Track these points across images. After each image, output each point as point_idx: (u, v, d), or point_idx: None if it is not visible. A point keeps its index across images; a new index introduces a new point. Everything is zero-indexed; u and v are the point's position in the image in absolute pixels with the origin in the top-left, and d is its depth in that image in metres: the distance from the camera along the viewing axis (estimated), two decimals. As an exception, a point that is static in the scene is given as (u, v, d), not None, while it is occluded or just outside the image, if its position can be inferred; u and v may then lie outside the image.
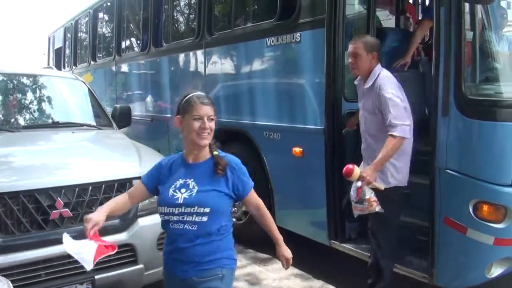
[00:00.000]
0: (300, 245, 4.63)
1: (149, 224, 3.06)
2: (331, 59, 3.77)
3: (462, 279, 3.17)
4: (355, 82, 3.44)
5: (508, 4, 3.17)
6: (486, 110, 2.90)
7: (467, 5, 2.88)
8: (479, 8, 2.94)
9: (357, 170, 2.97)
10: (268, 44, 4.37)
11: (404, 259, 3.54)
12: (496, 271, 3.10)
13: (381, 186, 3.10)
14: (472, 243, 2.97)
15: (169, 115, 6.08)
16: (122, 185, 3.06)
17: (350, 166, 3.00)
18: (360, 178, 2.99)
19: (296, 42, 4.08)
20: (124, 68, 7.32)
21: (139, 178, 3.13)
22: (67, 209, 2.81)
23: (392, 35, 4.36)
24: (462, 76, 2.91)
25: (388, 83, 3.12)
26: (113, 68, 7.46)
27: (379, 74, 3.17)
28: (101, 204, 2.93)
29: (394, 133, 2.94)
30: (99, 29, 8.44)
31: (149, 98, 6.63)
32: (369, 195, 3.01)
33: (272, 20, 4.33)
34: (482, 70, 3.09)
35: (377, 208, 3.01)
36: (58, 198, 2.84)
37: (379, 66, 3.24)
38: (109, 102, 7.33)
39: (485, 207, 2.90)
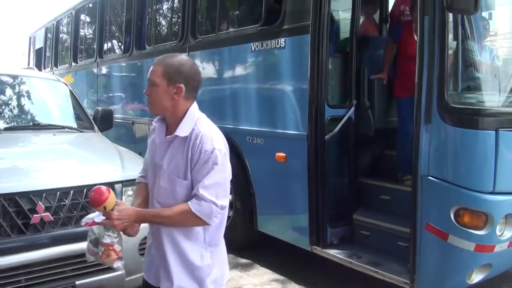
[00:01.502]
0: (281, 250, 4.65)
1: (132, 228, 3.03)
2: (315, 65, 3.79)
3: (443, 285, 3.21)
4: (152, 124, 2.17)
5: (489, 15, 3.22)
6: (468, 118, 2.95)
7: (450, 15, 2.93)
8: (462, 18, 3.00)
9: (112, 199, 1.90)
10: (253, 49, 4.38)
11: (384, 265, 3.58)
12: (476, 277, 3.16)
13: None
14: (453, 249, 3.01)
15: (150, 118, 6.03)
16: (105, 189, 3.02)
17: (104, 189, 1.92)
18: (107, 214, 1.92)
19: (281, 47, 4.09)
20: (106, 70, 7.25)
21: (121, 182, 3.12)
22: (48, 213, 2.76)
23: (376, 42, 4.41)
24: (445, 85, 2.95)
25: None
26: (95, 70, 7.39)
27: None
28: (82, 208, 2.93)
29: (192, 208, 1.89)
30: (81, 30, 8.37)
31: (130, 101, 6.58)
32: (110, 240, 2.01)
33: (257, 25, 4.33)
34: (465, 79, 3.14)
35: (116, 263, 2.06)
36: (39, 202, 2.78)
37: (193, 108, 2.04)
38: (90, 104, 7.25)
39: (466, 214, 2.95)
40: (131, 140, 6.33)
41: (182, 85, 1.94)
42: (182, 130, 1.96)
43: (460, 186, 2.96)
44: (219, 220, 1.99)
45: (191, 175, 1.94)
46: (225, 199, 1.95)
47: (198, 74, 2.04)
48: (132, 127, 6.44)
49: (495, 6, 3.13)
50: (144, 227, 3.14)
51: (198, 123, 2.00)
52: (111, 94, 7.12)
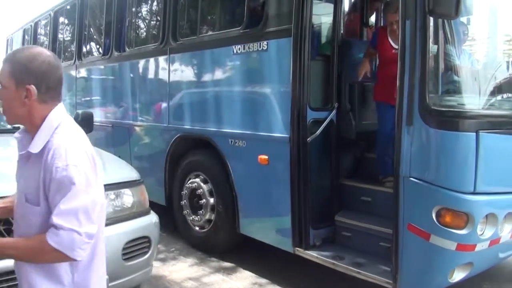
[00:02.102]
0: (264, 253, 4.66)
1: (114, 234, 2.99)
2: (297, 68, 3.82)
3: (425, 284, 3.26)
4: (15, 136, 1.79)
5: (468, 20, 3.29)
6: (449, 121, 3.00)
7: (431, 19, 2.98)
8: (442, 22, 3.05)
9: None
10: (235, 51, 4.38)
11: (367, 266, 3.62)
12: (458, 276, 3.21)
13: None
14: (435, 249, 3.06)
15: (130, 122, 6.00)
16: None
17: None
18: None
19: (263, 50, 4.10)
20: (85, 72, 7.16)
21: (103, 186, 3.08)
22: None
23: (357, 46, 4.46)
24: (427, 88, 3.00)
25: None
26: (73, 73, 7.29)
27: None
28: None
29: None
30: (59, 32, 8.24)
31: (110, 104, 6.50)
32: None
33: (239, 28, 4.34)
34: (445, 82, 3.20)
35: None
36: None
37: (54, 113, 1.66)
38: (68, 107, 7.13)
39: (448, 214, 3.00)
40: (110, 144, 6.26)
41: (32, 86, 1.57)
42: (35, 145, 1.59)
43: (442, 187, 3.01)
44: (90, 252, 1.62)
45: (48, 199, 1.56)
46: (92, 226, 1.55)
47: (55, 69, 1.63)
48: (111, 131, 6.38)
49: (473, 11, 3.20)
50: (132, 229, 3.15)
51: (56, 133, 1.60)
52: (90, 97, 7.02)
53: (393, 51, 3.99)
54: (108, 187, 3.07)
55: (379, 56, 4.33)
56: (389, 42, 4.16)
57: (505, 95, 3.41)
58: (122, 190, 3.20)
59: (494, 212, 3.10)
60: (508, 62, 3.51)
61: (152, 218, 3.36)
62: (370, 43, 4.49)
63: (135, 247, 3.14)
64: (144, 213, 3.31)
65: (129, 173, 3.42)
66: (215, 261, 4.74)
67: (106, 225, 2.94)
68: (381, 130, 4.20)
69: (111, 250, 2.96)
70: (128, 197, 3.22)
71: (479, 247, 3.11)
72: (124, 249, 3.02)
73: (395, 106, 3.21)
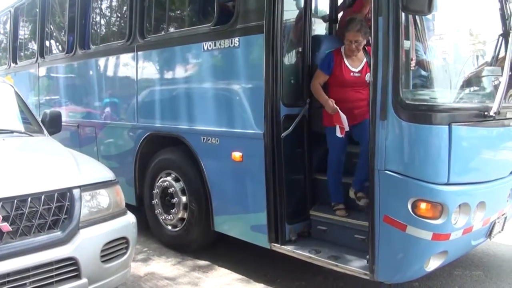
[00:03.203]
0: (239, 249, 4.66)
1: (92, 235, 2.93)
2: (270, 64, 3.82)
3: (403, 274, 3.34)
4: None
5: (437, 16, 3.37)
6: (422, 114, 3.07)
7: (403, 15, 3.04)
8: (414, 18, 3.12)
9: None
10: (205, 48, 4.34)
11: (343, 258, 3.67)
12: (434, 265, 3.32)
13: None
14: (411, 239, 3.14)
15: (97, 121, 5.87)
16: (62, 195, 2.89)
17: None
18: None
19: (235, 47, 4.08)
20: (48, 71, 6.92)
21: (79, 187, 3.01)
22: (6, 223, 2.60)
23: (327, 42, 4.50)
24: (400, 83, 3.06)
25: None
26: (36, 71, 7.05)
27: None
28: (41, 216, 2.78)
29: None
30: (20, 30, 7.93)
31: (75, 103, 6.33)
32: None
33: (209, 24, 4.30)
34: (418, 76, 3.28)
35: None
36: None
37: None
38: (31, 107, 6.90)
39: (423, 205, 3.08)
40: (76, 144, 6.09)
41: None
42: None
43: (417, 179, 3.09)
44: None
45: None
46: None
47: None
48: (77, 130, 6.22)
49: (443, 7, 3.27)
50: (110, 230, 3.09)
51: None
52: (54, 97, 6.80)
53: (351, 74, 3.98)
54: (85, 187, 3.03)
55: (330, 79, 4.05)
56: (346, 65, 4.01)
57: (475, 88, 3.52)
58: (98, 191, 3.12)
59: (467, 202, 3.20)
60: (477, 56, 3.62)
61: (130, 218, 3.30)
62: (320, 67, 4.13)
63: (114, 249, 3.08)
64: (121, 213, 3.25)
65: (104, 173, 3.34)
66: (190, 260, 4.71)
67: (83, 227, 2.94)
68: (331, 156, 4.16)
69: (89, 253, 2.92)
70: (104, 198, 3.15)
71: (454, 236, 3.21)
72: (102, 251, 2.95)
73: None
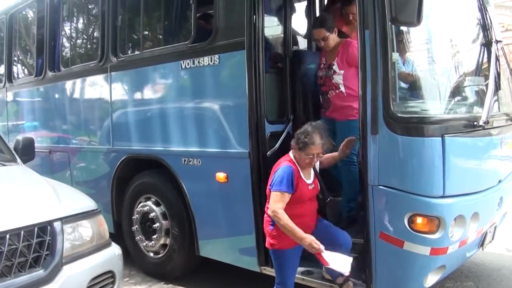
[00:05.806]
0: (224, 273, 4.49)
1: (77, 271, 2.74)
2: (252, 80, 3.72)
3: (402, 292, 3.24)
4: None
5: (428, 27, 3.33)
6: (414, 127, 3.01)
7: (391, 28, 2.99)
8: (400, 30, 3.08)
9: None
10: (183, 67, 4.21)
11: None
12: (432, 280, 3.25)
13: None
14: (409, 255, 3.06)
15: (70, 146, 5.63)
16: (43, 229, 2.69)
17: None
18: None
19: (215, 64, 3.97)
20: (16, 95, 6.64)
21: (60, 219, 2.80)
22: (-16, 263, 2.39)
23: (308, 57, 4.43)
24: (390, 96, 3.00)
25: None
26: (4, 96, 6.76)
27: None
28: (21, 254, 2.57)
29: None
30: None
31: (46, 128, 6.07)
32: None
33: (187, 42, 4.18)
34: (408, 89, 3.23)
35: None
36: None
37: None
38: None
39: (420, 220, 3.01)
40: (49, 171, 5.83)
41: None
42: None
43: (412, 193, 3.01)
44: None
45: None
46: None
47: None
48: (49, 156, 5.96)
49: (432, 18, 3.24)
50: (95, 265, 2.89)
51: None
52: (23, 122, 6.51)
53: (309, 187, 3.36)
54: (66, 219, 2.83)
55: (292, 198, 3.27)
56: (303, 179, 3.34)
57: (464, 98, 3.49)
58: (80, 222, 2.93)
59: (463, 214, 3.14)
60: (463, 66, 3.60)
61: (115, 250, 3.11)
62: (278, 187, 3.22)
63: (100, 284, 2.88)
64: (106, 245, 3.06)
65: (85, 202, 3.15)
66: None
67: (67, 263, 2.74)
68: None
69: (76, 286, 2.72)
70: (86, 230, 2.96)
71: (451, 249, 3.15)
72: (89, 286, 2.76)
73: None
